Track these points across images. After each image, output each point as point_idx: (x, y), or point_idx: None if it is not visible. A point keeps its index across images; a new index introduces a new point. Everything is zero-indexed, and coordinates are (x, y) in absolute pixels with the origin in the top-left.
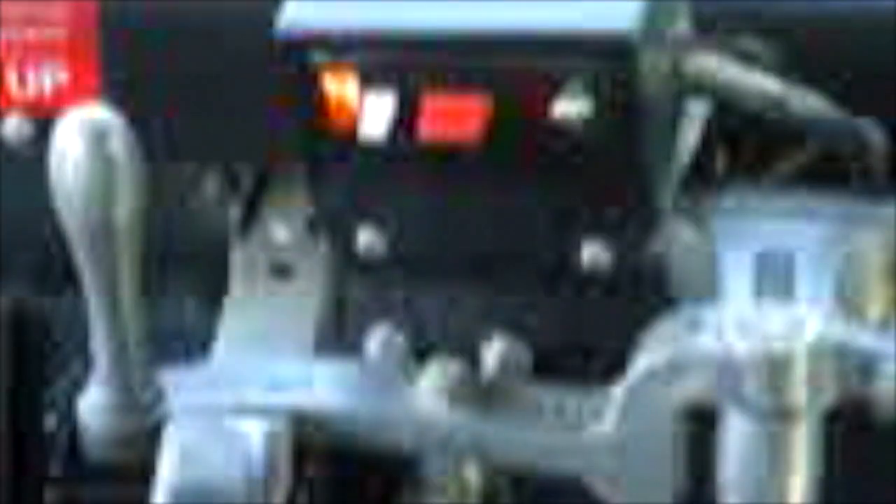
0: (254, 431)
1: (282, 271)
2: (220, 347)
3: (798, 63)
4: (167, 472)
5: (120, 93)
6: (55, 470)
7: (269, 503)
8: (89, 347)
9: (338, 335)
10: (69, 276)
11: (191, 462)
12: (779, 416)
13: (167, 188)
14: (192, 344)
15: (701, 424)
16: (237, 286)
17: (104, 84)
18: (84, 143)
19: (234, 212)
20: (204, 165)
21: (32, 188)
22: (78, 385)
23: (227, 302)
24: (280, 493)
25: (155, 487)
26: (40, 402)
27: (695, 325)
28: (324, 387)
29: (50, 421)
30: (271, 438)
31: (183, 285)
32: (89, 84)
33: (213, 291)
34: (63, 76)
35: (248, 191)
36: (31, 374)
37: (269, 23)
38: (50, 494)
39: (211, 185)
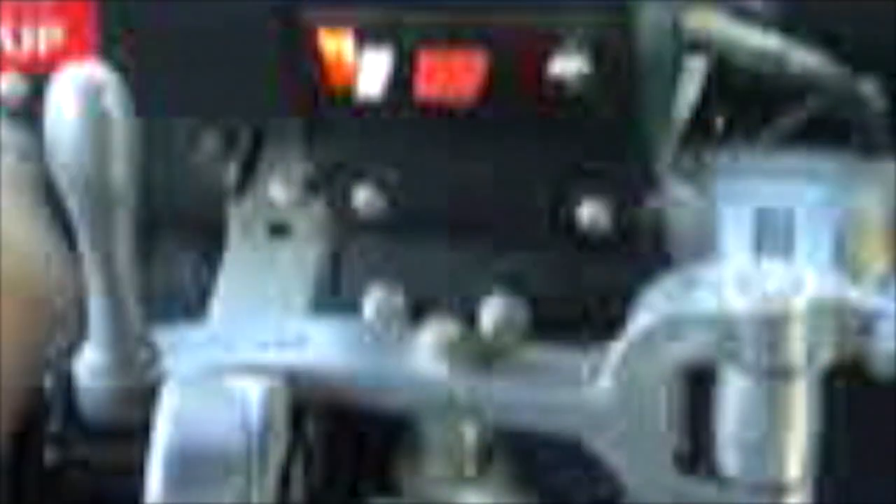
0: (251, 390)
1: (279, 229)
2: (217, 306)
3: (797, 20)
4: (163, 431)
5: (116, 50)
6: (53, 429)
7: (267, 462)
8: (85, 306)
9: (335, 293)
10: (66, 234)
11: (187, 421)
12: (777, 373)
13: (165, 146)
14: (189, 303)
15: (699, 382)
16: (234, 245)
17: (100, 41)
18: (78, 99)
19: (232, 170)
20: (201, 123)
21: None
22: (74, 344)
23: (224, 260)
24: (277, 452)
25: (151, 447)
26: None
27: (693, 284)
28: (321, 345)
29: (46, 380)
30: (268, 397)
31: (180, 244)
32: (85, 41)
33: (211, 250)
34: (58, 33)
35: (245, 149)
36: None
37: None
38: (50, 454)
39: (209, 143)
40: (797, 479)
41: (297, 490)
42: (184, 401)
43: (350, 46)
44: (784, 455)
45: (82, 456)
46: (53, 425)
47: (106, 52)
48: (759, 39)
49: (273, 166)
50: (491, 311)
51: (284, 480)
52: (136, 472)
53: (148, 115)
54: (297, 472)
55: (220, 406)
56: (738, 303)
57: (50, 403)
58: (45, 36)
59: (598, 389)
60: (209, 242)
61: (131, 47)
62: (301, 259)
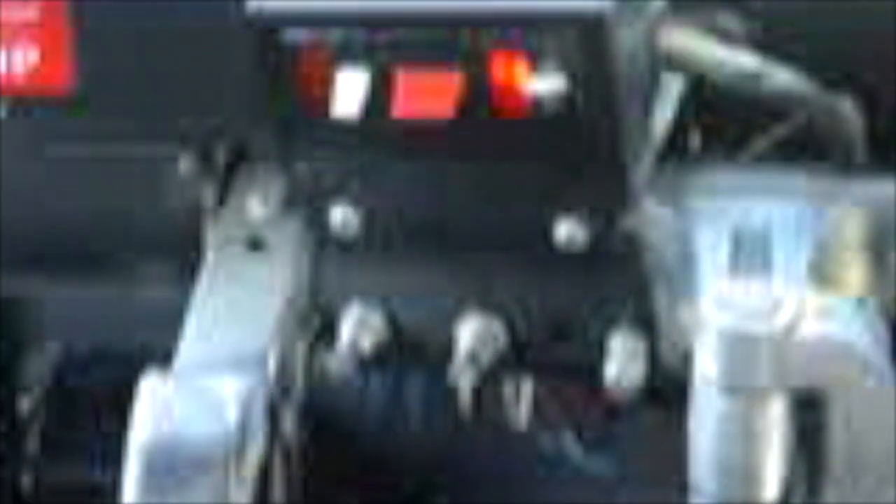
0: (228, 388)
1: (256, 246)
2: (192, 323)
3: (775, 39)
4: (140, 428)
5: (93, 74)
6: (31, 451)
7: (244, 460)
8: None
9: (312, 311)
10: (50, 263)
11: (164, 419)
12: (753, 393)
13: (142, 169)
14: (168, 318)
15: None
16: (211, 262)
17: (77, 65)
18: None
19: (209, 190)
20: (179, 144)
21: (17, 180)
22: (54, 368)
23: (201, 276)
24: (255, 450)
25: (128, 445)
26: (15, 384)
27: None
28: None
29: (24, 404)
30: (246, 395)
31: (158, 260)
32: (62, 64)
33: (189, 269)
34: (35, 56)
35: (222, 168)
36: (6, 357)
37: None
38: (27, 477)
39: (185, 163)
40: (773, 500)
41: (277, 489)
42: (161, 398)
43: (326, 65)
44: (760, 476)
45: (56, 479)
46: (32, 447)
47: (83, 76)
48: (735, 58)
49: (251, 185)
50: (468, 330)
51: (264, 479)
52: (109, 492)
53: (127, 140)
54: (277, 470)
55: (197, 404)
56: (717, 320)
57: (26, 426)
58: (21, 57)
59: None
60: (188, 262)
61: (108, 70)
62: (277, 276)
